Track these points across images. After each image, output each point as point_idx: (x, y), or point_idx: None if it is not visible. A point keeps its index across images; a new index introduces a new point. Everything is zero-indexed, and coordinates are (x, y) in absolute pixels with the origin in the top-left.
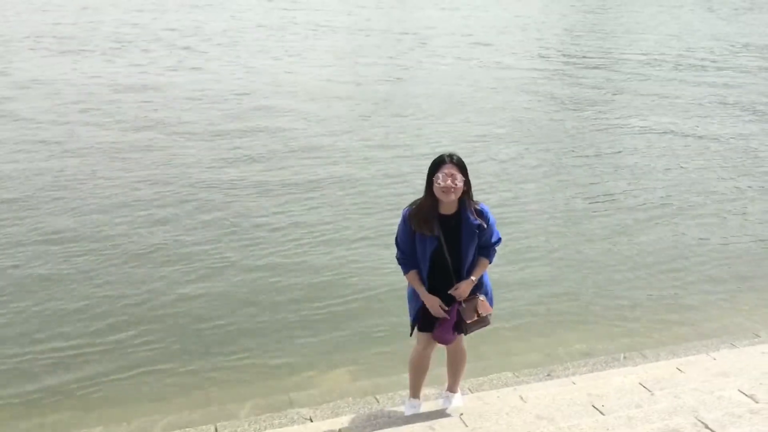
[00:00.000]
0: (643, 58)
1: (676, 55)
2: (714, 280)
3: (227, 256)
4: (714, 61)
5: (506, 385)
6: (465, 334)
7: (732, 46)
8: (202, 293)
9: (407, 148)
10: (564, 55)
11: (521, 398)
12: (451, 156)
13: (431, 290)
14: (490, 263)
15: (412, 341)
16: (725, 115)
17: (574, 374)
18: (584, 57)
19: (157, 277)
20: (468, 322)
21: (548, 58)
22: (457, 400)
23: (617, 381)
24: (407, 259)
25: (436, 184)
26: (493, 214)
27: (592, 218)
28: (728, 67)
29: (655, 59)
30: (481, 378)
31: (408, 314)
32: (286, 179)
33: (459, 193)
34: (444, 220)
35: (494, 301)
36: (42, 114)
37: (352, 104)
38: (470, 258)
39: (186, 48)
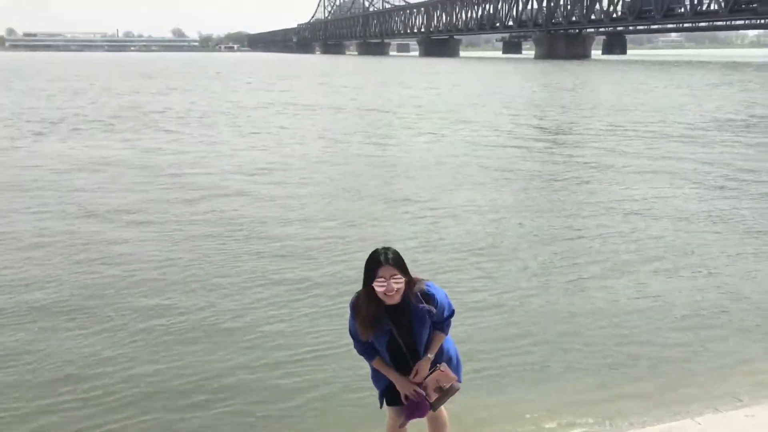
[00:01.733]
0: (616, 131)
1: (650, 129)
2: (692, 339)
3: (210, 320)
4: (687, 134)
5: None
6: (434, 411)
7: (712, 120)
8: (188, 360)
9: (395, 221)
10: (538, 130)
11: None
12: (386, 254)
13: None
14: (446, 335)
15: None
16: (693, 181)
17: None
18: (558, 131)
19: (128, 342)
20: (431, 401)
21: (525, 132)
22: None
23: None
24: (366, 348)
25: (377, 288)
26: (444, 290)
27: (568, 274)
28: (700, 138)
29: (628, 132)
30: None
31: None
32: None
33: (402, 291)
34: (391, 310)
35: (463, 365)
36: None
37: (335, 178)
38: (425, 339)
39: (180, 129)
